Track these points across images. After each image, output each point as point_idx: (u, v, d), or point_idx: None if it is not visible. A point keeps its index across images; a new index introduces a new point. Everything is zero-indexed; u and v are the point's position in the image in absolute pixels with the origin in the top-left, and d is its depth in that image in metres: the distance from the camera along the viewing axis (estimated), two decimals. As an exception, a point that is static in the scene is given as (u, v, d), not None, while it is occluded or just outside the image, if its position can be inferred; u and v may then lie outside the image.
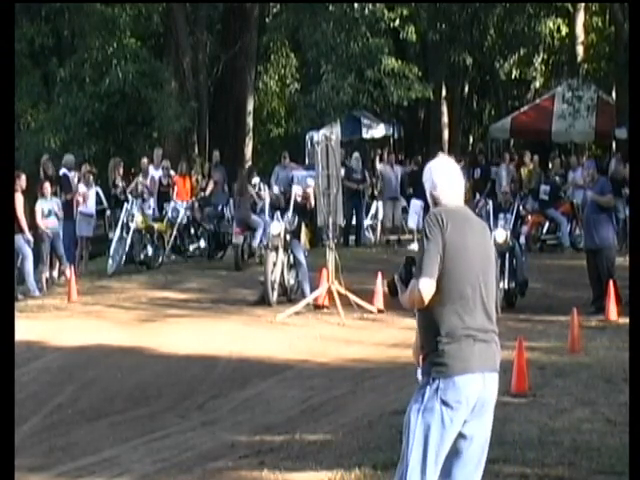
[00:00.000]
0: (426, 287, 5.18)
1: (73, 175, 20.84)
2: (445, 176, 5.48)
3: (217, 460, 8.23)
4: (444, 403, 5.21)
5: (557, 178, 24.43)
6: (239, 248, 19.80)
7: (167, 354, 12.86)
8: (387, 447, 7.91)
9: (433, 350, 5.25)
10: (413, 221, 23.30)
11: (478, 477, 5.40)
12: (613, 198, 15.53)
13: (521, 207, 16.63)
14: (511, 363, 10.22)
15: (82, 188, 20.45)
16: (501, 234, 15.45)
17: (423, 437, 5.22)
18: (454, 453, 5.31)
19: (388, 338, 13.23)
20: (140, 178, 21.81)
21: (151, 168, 22.59)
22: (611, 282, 14.34)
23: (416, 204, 23.24)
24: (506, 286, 15.40)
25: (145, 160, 22.52)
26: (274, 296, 15.86)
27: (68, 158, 21.28)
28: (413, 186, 23.91)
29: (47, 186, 18.83)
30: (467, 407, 5.23)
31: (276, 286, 15.94)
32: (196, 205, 22.11)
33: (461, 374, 5.21)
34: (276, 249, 15.95)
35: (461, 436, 5.29)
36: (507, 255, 15.48)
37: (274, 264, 15.86)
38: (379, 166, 26.51)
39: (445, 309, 5.24)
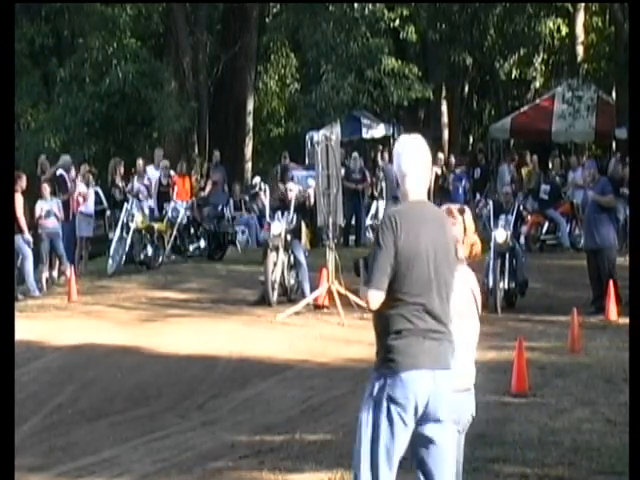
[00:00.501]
0: (374, 299, 5.19)
1: (74, 175, 20.85)
2: (415, 164, 5.37)
3: (217, 460, 8.24)
4: (391, 399, 5.15)
5: (557, 178, 24.43)
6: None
7: (167, 354, 12.86)
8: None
9: (382, 346, 5.22)
10: None
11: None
12: (614, 198, 15.54)
13: (521, 207, 16.63)
14: (511, 363, 10.22)
15: (82, 188, 20.47)
16: (501, 234, 15.45)
17: (373, 434, 5.18)
18: (427, 458, 5.23)
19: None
20: (135, 179, 21.80)
21: (151, 168, 22.60)
22: (611, 282, 14.35)
23: None
24: (506, 286, 15.39)
25: (140, 161, 22.46)
26: (274, 296, 15.85)
27: (65, 159, 21.28)
28: None
29: (45, 186, 18.86)
30: (416, 404, 5.14)
31: (276, 286, 15.94)
32: (195, 205, 22.10)
33: (408, 370, 5.14)
34: (276, 249, 15.95)
35: (428, 441, 5.21)
36: (507, 255, 15.49)
37: (274, 264, 15.86)
38: (382, 163, 26.45)
39: (395, 312, 5.20)
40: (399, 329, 5.18)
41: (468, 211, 5.78)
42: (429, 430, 5.20)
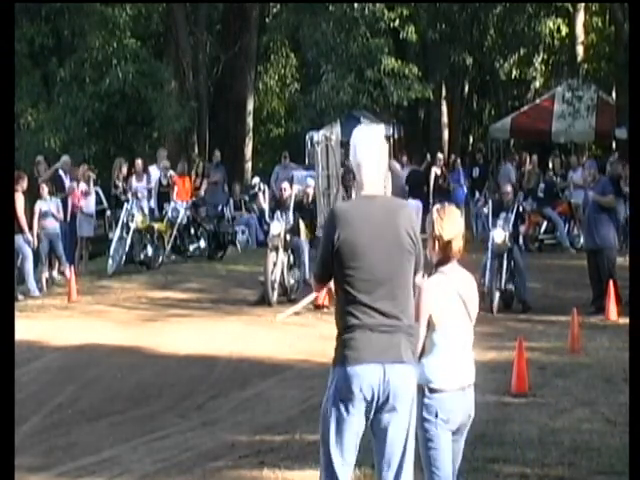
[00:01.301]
0: (315, 288, 5.66)
1: (77, 175, 20.84)
2: (370, 155, 5.36)
3: (217, 460, 8.24)
4: (338, 393, 5.21)
5: (556, 178, 24.41)
6: None
7: (167, 354, 12.86)
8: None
9: (336, 342, 5.29)
10: None
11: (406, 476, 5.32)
12: (614, 198, 15.48)
13: (521, 207, 16.41)
14: (511, 363, 10.22)
15: (83, 186, 20.47)
16: (499, 234, 15.28)
17: (326, 429, 5.27)
18: (380, 448, 5.27)
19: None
20: (134, 179, 21.77)
21: (154, 168, 22.59)
22: (611, 282, 14.34)
23: (411, 204, 23.33)
24: (503, 287, 15.24)
25: (139, 162, 22.45)
26: (274, 296, 15.86)
27: (64, 159, 21.26)
28: (410, 186, 23.98)
29: (44, 187, 18.86)
30: (364, 397, 5.18)
31: (276, 286, 15.95)
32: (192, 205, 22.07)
33: (353, 364, 5.18)
34: (276, 249, 15.95)
35: (381, 432, 5.24)
36: (505, 256, 15.30)
37: (274, 264, 15.87)
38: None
39: (344, 309, 5.25)
40: (348, 325, 5.23)
41: (437, 207, 5.67)
42: (381, 421, 5.23)
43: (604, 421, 8.99)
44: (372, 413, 5.23)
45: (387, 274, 5.21)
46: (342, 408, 5.21)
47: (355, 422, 5.22)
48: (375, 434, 5.28)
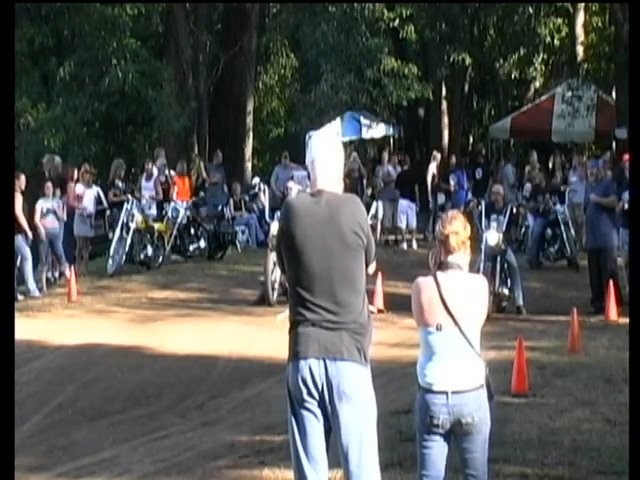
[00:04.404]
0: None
1: (75, 175, 20.84)
2: (322, 152, 5.42)
3: (217, 460, 8.23)
4: (288, 389, 5.43)
5: (557, 178, 24.34)
6: None
7: (167, 354, 12.87)
8: (387, 447, 7.89)
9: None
10: (402, 221, 23.41)
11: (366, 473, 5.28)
12: (616, 199, 15.36)
13: (514, 209, 15.87)
14: (511, 363, 10.22)
15: (79, 188, 20.45)
16: (493, 237, 15.00)
17: (290, 427, 5.38)
18: (338, 442, 5.27)
19: (388, 338, 13.21)
20: (143, 179, 21.77)
21: (152, 168, 22.59)
22: (611, 282, 14.34)
23: (403, 204, 23.37)
24: (496, 290, 15.03)
25: (150, 164, 22.42)
26: (274, 296, 15.87)
27: (56, 160, 21.18)
28: (401, 186, 23.98)
29: (49, 185, 18.85)
30: (309, 392, 5.27)
31: (276, 286, 15.95)
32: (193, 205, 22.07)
33: (295, 359, 5.36)
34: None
35: (336, 426, 5.25)
36: (498, 258, 15.08)
37: (274, 264, 15.86)
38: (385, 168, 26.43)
39: (291, 304, 5.38)
40: (293, 320, 5.39)
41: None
42: (334, 417, 5.26)
43: (604, 421, 8.99)
44: (326, 409, 5.26)
45: (325, 270, 5.21)
46: (296, 404, 5.33)
47: (312, 418, 5.28)
48: (338, 432, 5.28)
